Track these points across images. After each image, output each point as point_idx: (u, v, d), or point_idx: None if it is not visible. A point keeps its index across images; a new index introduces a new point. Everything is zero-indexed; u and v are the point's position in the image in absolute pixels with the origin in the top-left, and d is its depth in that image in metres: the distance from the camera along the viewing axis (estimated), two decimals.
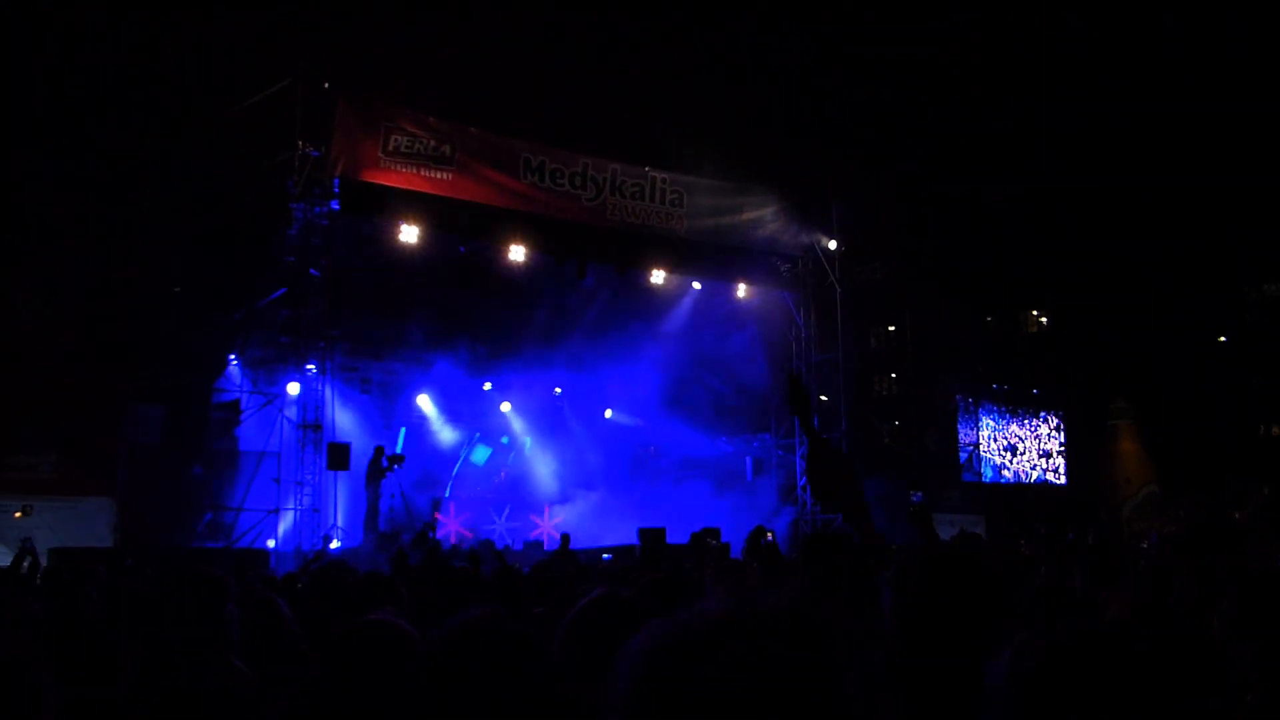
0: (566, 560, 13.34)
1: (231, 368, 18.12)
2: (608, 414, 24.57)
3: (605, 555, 15.78)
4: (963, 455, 25.20)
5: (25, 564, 10.20)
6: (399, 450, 19.12)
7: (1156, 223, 26.54)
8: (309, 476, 16.72)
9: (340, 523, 17.56)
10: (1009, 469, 26.09)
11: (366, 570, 6.10)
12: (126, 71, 17.26)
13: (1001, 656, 1.13)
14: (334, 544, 16.54)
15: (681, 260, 20.84)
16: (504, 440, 23.96)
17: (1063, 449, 27.06)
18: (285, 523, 16.92)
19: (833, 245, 22.46)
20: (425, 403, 22.56)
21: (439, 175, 17.74)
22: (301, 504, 16.64)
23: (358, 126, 17.18)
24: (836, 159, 22.89)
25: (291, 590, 7.19)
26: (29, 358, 15.99)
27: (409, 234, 17.88)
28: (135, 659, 2.88)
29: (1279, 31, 22.44)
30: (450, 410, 22.78)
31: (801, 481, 22.13)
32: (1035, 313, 32.11)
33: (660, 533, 16.95)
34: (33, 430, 16.13)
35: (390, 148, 17.30)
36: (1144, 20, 22.14)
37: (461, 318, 21.63)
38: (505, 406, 23.25)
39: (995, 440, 25.98)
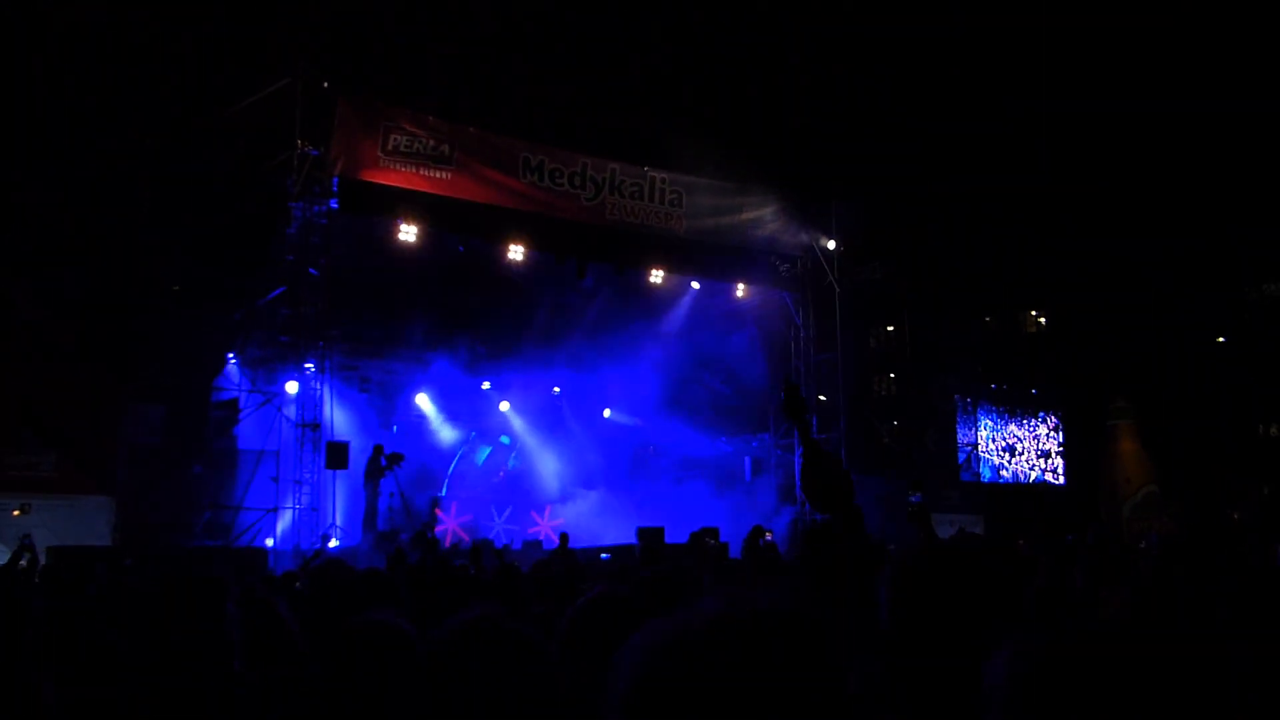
0: (566, 559, 13.34)
1: (230, 367, 18.12)
2: (607, 414, 24.58)
3: (604, 555, 15.78)
4: (961, 455, 25.21)
5: (23, 560, 10.20)
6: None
7: (1156, 223, 26.53)
8: (308, 475, 16.72)
9: (339, 522, 17.57)
10: (1008, 469, 26.11)
11: (365, 569, 6.10)
12: (126, 71, 17.24)
13: (1000, 656, 1.13)
14: (333, 543, 16.55)
15: (681, 260, 20.87)
16: (504, 440, 23.96)
17: (1062, 449, 27.07)
18: (284, 522, 16.92)
19: (832, 245, 22.48)
20: (424, 402, 22.57)
21: (438, 175, 17.75)
22: (300, 503, 16.65)
23: (357, 126, 17.20)
24: (836, 159, 22.88)
25: (290, 590, 7.19)
26: (28, 357, 15.99)
27: (408, 233, 17.90)
28: (134, 659, 2.88)
29: (1279, 31, 22.45)
30: (449, 410, 22.79)
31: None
32: (1034, 313, 32.13)
33: (659, 532, 16.96)
34: (32, 429, 16.12)
35: (389, 147, 17.31)
36: (1144, 20, 22.15)
37: (460, 317, 21.64)
38: (504, 406, 23.25)
39: (994, 440, 25.99)
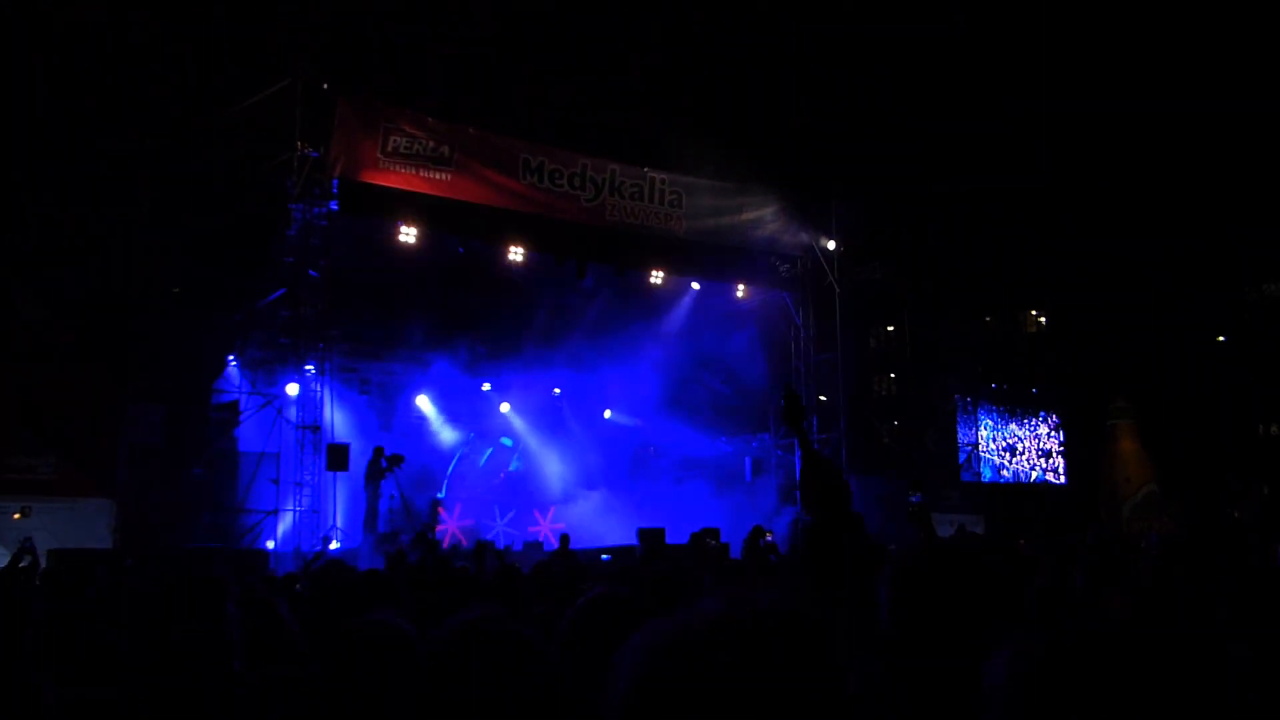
0: (566, 560, 13.34)
1: (231, 368, 18.12)
2: (607, 414, 24.58)
3: (604, 556, 15.78)
4: (962, 455, 25.19)
5: (24, 563, 10.19)
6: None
7: (1156, 223, 26.52)
8: (308, 477, 16.73)
9: (339, 524, 17.57)
10: (1008, 469, 26.09)
11: (366, 570, 6.10)
12: (126, 71, 17.24)
13: (1000, 656, 1.13)
14: (333, 545, 16.55)
15: (681, 260, 20.87)
16: (506, 442, 23.96)
17: (1062, 449, 27.05)
18: (284, 524, 16.93)
19: (832, 245, 22.48)
20: (424, 404, 22.57)
21: (438, 176, 17.75)
22: (301, 505, 16.65)
23: (357, 127, 17.20)
24: (836, 159, 22.88)
25: (290, 591, 7.19)
26: (28, 358, 15.99)
27: (408, 235, 17.90)
28: (134, 659, 2.88)
29: (1279, 31, 22.45)
30: (449, 411, 22.79)
31: None
32: (1034, 312, 32.13)
33: (659, 533, 16.97)
34: (32, 430, 16.12)
35: (389, 148, 17.31)
36: (1144, 20, 22.14)
37: (461, 318, 21.64)
38: (505, 407, 23.26)
39: (994, 440, 25.98)
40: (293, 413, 17.03)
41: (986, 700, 1.12)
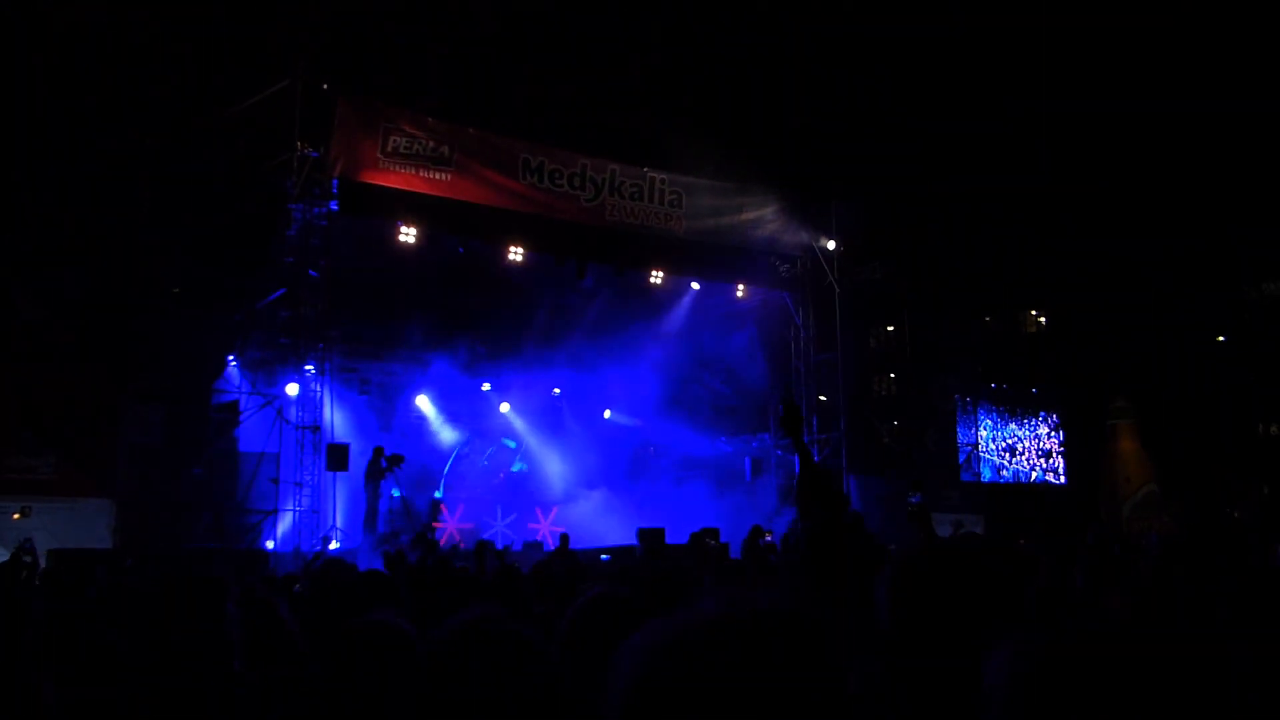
0: (566, 560, 13.34)
1: (230, 369, 18.12)
2: (607, 414, 24.58)
3: (604, 556, 15.78)
4: (962, 455, 25.19)
5: (25, 561, 10.18)
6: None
7: (1156, 223, 26.51)
8: (308, 477, 16.73)
9: (339, 524, 17.57)
10: (1008, 469, 26.09)
11: (366, 569, 6.10)
12: (126, 71, 17.24)
13: (1000, 656, 1.13)
14: (333, 545, 16.55)
15: (680, 260, 20.87)
16: (510, 444, 23.96)
17: (1062, 449, 27.05)
18: (284, 524, 16.93)
19: (832, 245, 22.49)
20: (424, 404, 22.57)
21: (438, 176, 17.75)
22: (300, 505, 16.66)
23: (357, 127, 17.20)
24: (836, 159, 22.86)
25: (290, 592, 7.19)
26: (28, 359, 15.99)
27: (408, 235, 17.90)
28: (134, 659, 2.88)
29: (1278, 31, 22.44)
30: (449, 411, 22.79)
31: None
32: (1034, 312, 32.10)
33: (659, 533, 16.98)
34: (32, 431, 16.12)
35: (389, 148, 17.31)
36: (1144, 20, 22.13)
37: (460, 318, 21.65)
38: (505, 407, 23.26)
39: (994, 440, 25.98)
40: (293, 413, 17.03)
41: (986, 700, 1.12)
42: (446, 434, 22.85)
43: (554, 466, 23.58)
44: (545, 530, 21.84)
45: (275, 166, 16.67)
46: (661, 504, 21.55)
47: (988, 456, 25.67)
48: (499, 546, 17.53)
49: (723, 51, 22.99)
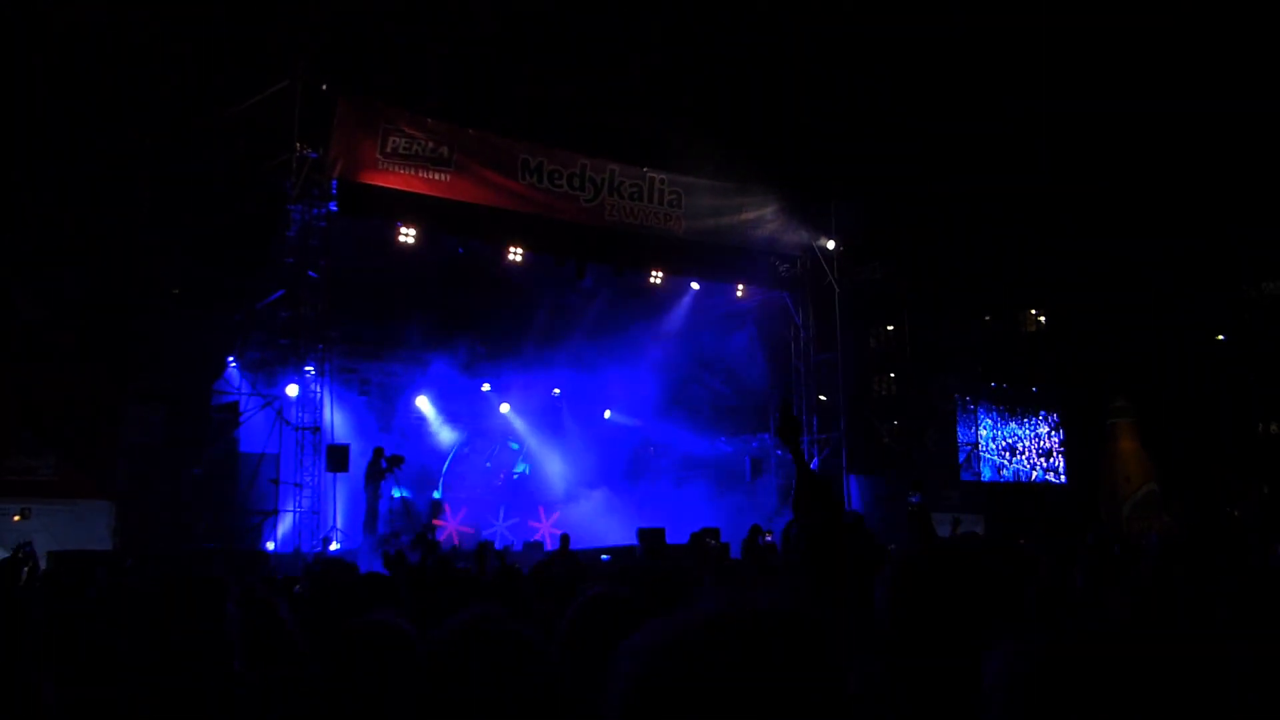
0: (566, 561, 13.33)
1: (230, 369, 18.12)
2: (607, 414, 24.58)
3: (604, 556, 15.78)
4: (962, 455, 25.19)
5: (24, 571, 10.15)
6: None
7: (1156, 223, 26.52)
8: (308, 478, 16.73)
9: (339, 525, 17.57)
10: (1008, 468, 26.09)
11: (366, 571, 6.09)
12: (126, 71, 17.23)
13: (999, 656, 1.13)
14: (333, 546, 16.55)
15: (680, 260, 20.87)
16: (515, 446, 23.97)
17: (1062, 448, 27.05)
18: (284, 525, 16.93)
19: (831, 245, 22.48)
20: (424, 404, 22.57)
21: (437, 176, 17.75)
22: (300, 506, 16.65)
23: (356, 128, 17.19)
24: (836, 159, 22.87)
25: (289, 593, 7.18)
26: (28, 358, 15.99)
27: (407, 235, 17.90)
28: (134, 659, 2.88)
29: (1278, 31, 22.45)
30: (449, 412, 22.79)
31: None
32: (1034, 312, 32.11)
33: (660, 533, 16.98)
34: (32, 432, 16.11)
35: (389, 149, 17.31)
36: (1144, 20, 22.14)
37: (460, 319, 21.65)
38: (504, 407, 23.26)
39: (994, 440, 25.97)
40: (292, 414, 17.03)
41: (986, 700, 1.12)
42: (445, 434, 22.86)
43: (554, 467, 23.58)
44: (545, 531, 21.84)
45: (275, 167, 16.67)
46: (661, 504, 21.55)
47: (988, 456, 25.66)
48: (499, 547, 17.54)
49: (723, 51, 22.99)
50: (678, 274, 21.32)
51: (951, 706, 1.69)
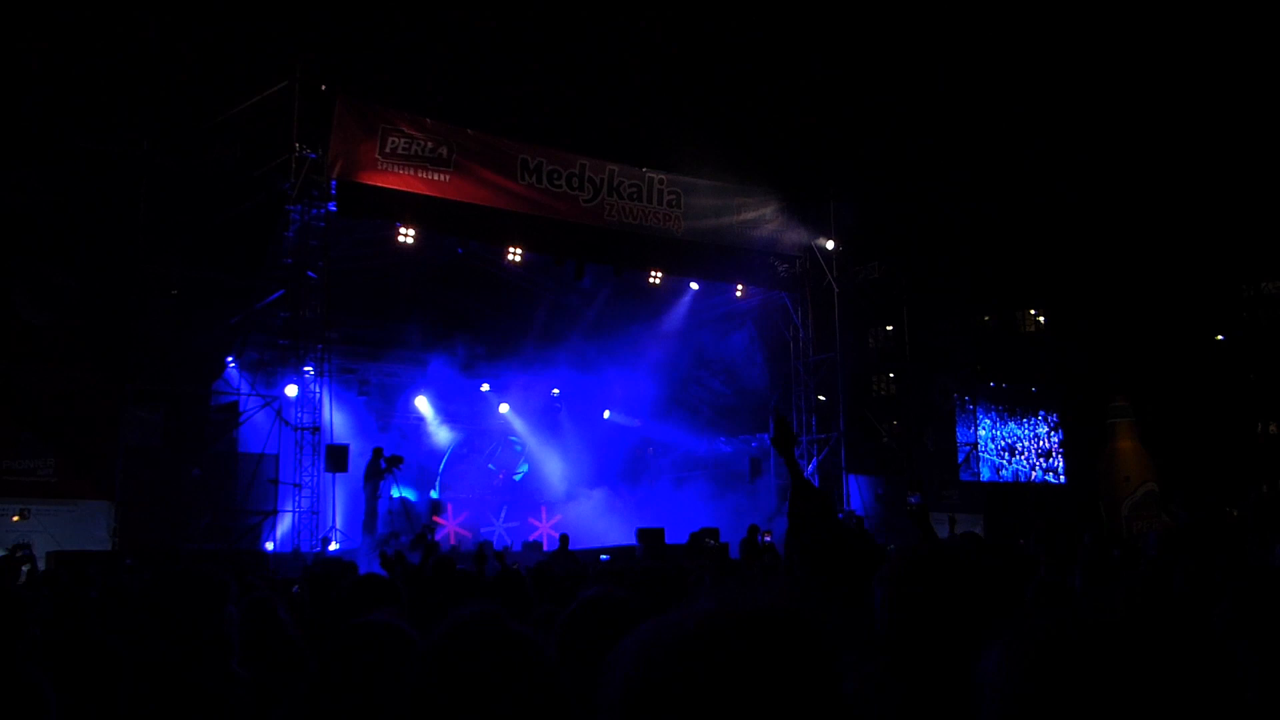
0: (566, 561, 13.35)
1: (230, 370, 18.12)
2: (606, 414, 24.58)
3: (603, 556, 15.78)
4: (961, 455, 25.17)
5: (24, 571, 10.13)
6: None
7: (1156, 222, 26.52)
8: (307, 479, 16.73)
9: (339, 525, 17.57)
10: (1007, 468, 26.07)
11: (365, 572, 6.09)
12: (126, 71, 17.24)
13: (995, 649, 1.12)
14: (333, 546, 16.55)
15: (679, 260, 20.85)
16: (515, 444, 23.97)
17: (1061, 448, 27.03)
18: (283, 525, 16.93)
19: (831, 245, 22.48)
20: (423, 404, 22.57)
21: (436, 177, 17.74)
22: (300, 506, 16.65)
23: (355, 128, 17.19)
24: (836, 159, 22.88)
25: (288, 593, 7.18)
26: (28, 361, 15.98)
27: (406, 235, 17.90)
28: (134, 659, 2.88)
29: (1278, 30, 22.45)
30: (448, 412, 22.79)
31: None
32: (1033, 312, 32.08)
33: (659, 533, 16.98)
34: (32, 433, 16.10)
35: (387, 149, 17.30)
36: (1144, 19, 22.16)
37: (459, 319, 21.65)
38: (504, 408, 23.25)
39: (994, 440, 25.96)
40: (292, 414, 17.03)
41: (980, 694, 1.12)
42: (443, 434, 22.86)
43: (554, 467, 23.58)
44: (545, 531, 21.84)
45: (274, 167, 16.67)
46: (661, 504, 21.56)
47: (987, 456, 25.65)
48: (498, 547, 17.55)
49: (722, 51, 22.99)
50: (677, 274, 21.31)
51: (949, 706, 1.69)
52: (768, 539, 15.73)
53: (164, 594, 3.14)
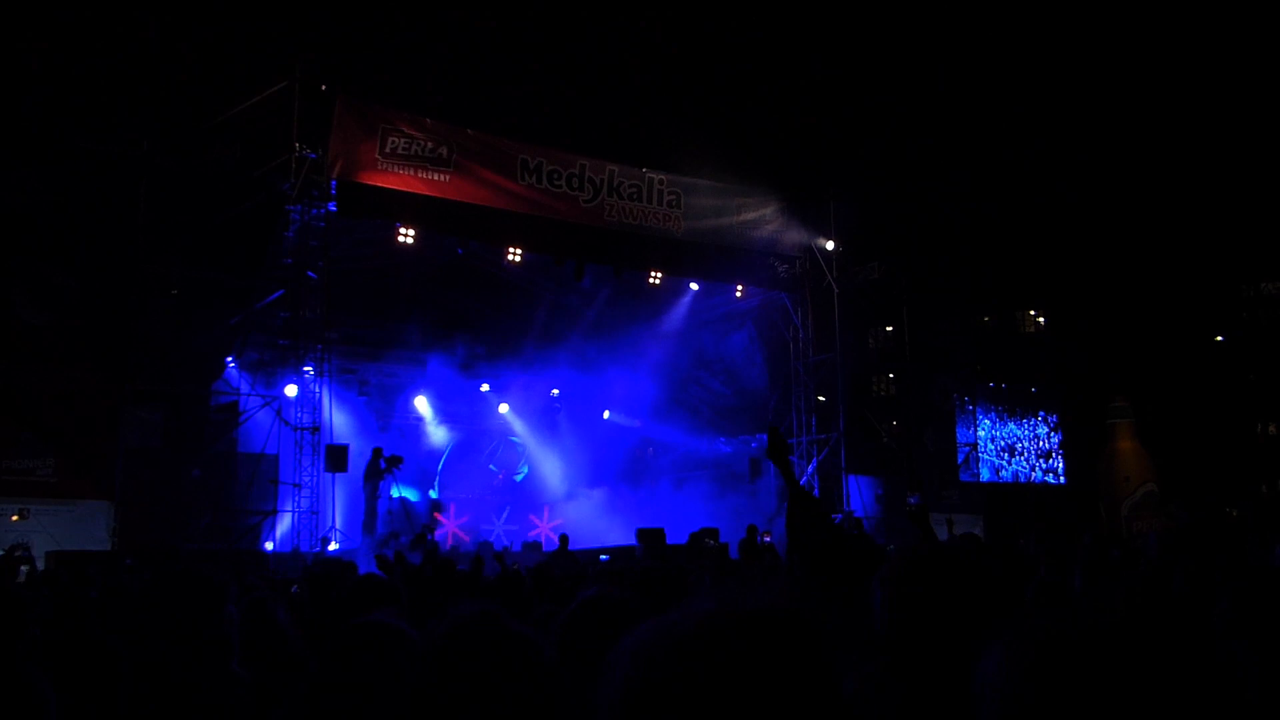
0: (565, 561, 13.35)
1: (230, 370, 18.12)
2: (606, 415, 24.58)
3: (603, 557, 15.78)
4: (960, 455, 25.17)
5: (23, 571, 10.14)
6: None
7: (1156, 222, 26.54)
8: (307, 479, 16.72)
9: (338, 525, 17.57)
10: (1007, 469, 26.07)
11: (365, 572, 6.09)
12: (126, 72, 17.24)
13: (994, 650, 1.12)
14: (332, 546, 16.55)
15: (679, 261, 20.85)
16: (516, 443, 23.96)
17: (1061, 449, 27.03)
18: (283, 525, 16.92)
19: (830, 245, 22.47)
20: (423, 404, 22.57)
21: (436, 177, 17.74)
22: (300, 506, 16.65)
23: (355, 128, 17.18)
24: (836, 159, 22.88)
25: (287, 594, 7.18)
26: (28, 361, 15.98)
27: (406, 236, 17.89)
28: (134, 659, 2.88)
29: (1277, 30, 22.46)
30: (448, 412, 22.79)
31: (803, 481, 22.13)
32: (1033, 312, 32.08)
33: (659, 533, 16.97)
34: (32, 433, 16.11)
35: (387, 149, 17.30)
36: (1144, 19, 22.17)
37: (459, 319, 21.65)
38: (504, 408, 23.26)
39: (993, 440, 25.96)
40: (292, 414, 17.02)
41: (980, 697, 1.12)
42: (441, 434, 22.87)
43: (553, 467, 23.58)
44: (544, 531, 21.84)
45: (274, 168, 16.67)
46: (661, 504, 21.56)
47: (986, 457, 25.65)
48: (498, 547, 17.55)
49: (722, 51, 23.00)
50: (677, 274, 21.30)
51: (949, 706, 1.69)
52: (767, 539, 15.73)
53: (164, 594, 3.14)
